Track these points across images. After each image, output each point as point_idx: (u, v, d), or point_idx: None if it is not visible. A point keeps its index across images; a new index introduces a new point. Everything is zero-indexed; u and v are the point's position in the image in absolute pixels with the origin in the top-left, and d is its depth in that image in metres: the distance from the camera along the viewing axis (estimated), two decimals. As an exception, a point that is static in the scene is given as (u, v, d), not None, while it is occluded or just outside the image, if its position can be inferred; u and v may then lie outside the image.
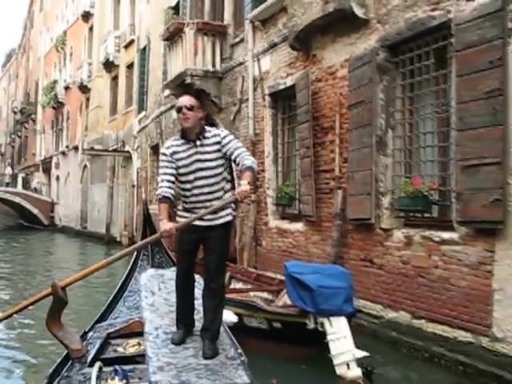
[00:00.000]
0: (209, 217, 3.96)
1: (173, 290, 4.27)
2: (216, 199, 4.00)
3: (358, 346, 4.93)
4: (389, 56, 6.67)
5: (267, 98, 9.55)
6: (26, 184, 35.32)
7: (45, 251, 19.61)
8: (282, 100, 9.32)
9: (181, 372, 3.52)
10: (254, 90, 9.95)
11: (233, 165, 4.20)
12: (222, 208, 3.97)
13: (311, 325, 5.22)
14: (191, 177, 4.00)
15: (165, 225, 3.81)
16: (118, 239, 20.45)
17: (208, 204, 3.97)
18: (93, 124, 25.42)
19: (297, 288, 5.29)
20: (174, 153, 4.02)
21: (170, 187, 3.97)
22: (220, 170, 4.04)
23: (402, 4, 6.40)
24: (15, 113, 46.08)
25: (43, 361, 5.56)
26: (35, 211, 31.02)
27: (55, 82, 32.79)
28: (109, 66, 22.99)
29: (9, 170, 38.43)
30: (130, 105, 20.57)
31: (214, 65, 11.52)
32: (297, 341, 5.47)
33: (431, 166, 6.23)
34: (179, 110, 4.02)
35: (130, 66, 20.97)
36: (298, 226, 8.41)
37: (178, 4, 14.84)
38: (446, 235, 5.63)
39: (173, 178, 4.01)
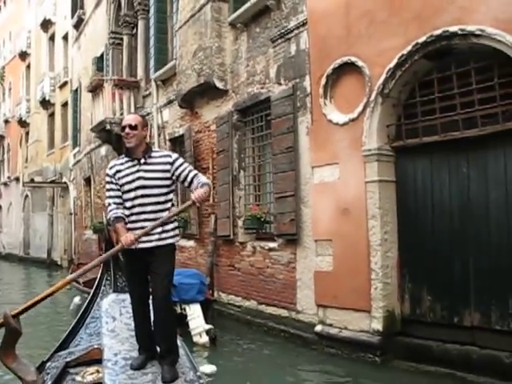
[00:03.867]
0: (156, 237, 3.87)
1: None
2: (158, 219, 3.87)
3: (221, 327, 7.45)
4: (240, 117, 9.30)
5: (168, 143, 12.03)
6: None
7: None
8: (178, 144, 11.79)
9: None
10: (159, 135, 12.43)
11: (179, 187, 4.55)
12: (171, 226, 3.97)
13: (178, 310, 7.68)
14: (132, 194, 3.91)
15: (126, 236, 3.77)
16: (59, 262, 22.48)
17: (148, 224, 3.85)
18: (32, 157, 27.30)
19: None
20: (117, 172, 3.97)
21: (118, 207, 3.95)
22: (165, 190, 3.97)
23: (246, 81, 9.04)
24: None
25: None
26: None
27: (-5, 116, 34.44)
28: (45, 104, 25.08)
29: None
30: (66, 140, 22.69)
31: (129, 113, 13.94)
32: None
33: (268, 197, 8.82)
34: (123, 128, 3.96)
35: (64, 105, 23.11)
36: (191, 242, 10.88)
37: (102, 55, 17.24)
38: (271, 245, 8.24)
39: (119, 200, 3.96)
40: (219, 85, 9.50)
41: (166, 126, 12.13)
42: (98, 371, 4.00)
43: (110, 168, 4.05)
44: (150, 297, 3.98)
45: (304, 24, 7.57)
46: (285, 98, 7.87)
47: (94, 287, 5.76)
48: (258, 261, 8.58)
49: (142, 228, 3.84)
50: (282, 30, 8.05)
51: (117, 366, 3.79)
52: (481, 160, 5.74)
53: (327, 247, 7.03)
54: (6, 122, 32.43)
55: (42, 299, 3.59)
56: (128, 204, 3.96)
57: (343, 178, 6.81)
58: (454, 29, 5.61)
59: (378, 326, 6.35)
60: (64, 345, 4.84)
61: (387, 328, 6.32)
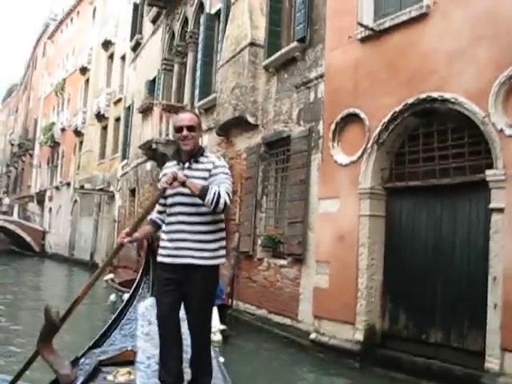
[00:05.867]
0: (194, 253, 3.43)
1: None
2: (195, 233, 3.45)
3: (236, 330, 8.77)
4: (266, 149, 10.65)
5: (205, 164, 13.43)
6: (22, 213, 39.08)
7: (38, 273, 23.29)
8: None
9: None
10: (198, 157, 13.85)
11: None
12: (215, 246, 3.52)
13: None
14: (170, 200, 3.54)
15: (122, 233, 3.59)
16: (100, 265, 24.18)
17: (188, 237, 3.46)
18: (84, 165, 29.30)
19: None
20: (164, 176, 3.60)
21: (157, 212, 3.71)
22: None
23: (273, 119, 10.39)
24: (12, 145, 49.96)
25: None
26: (28, 239, 34.60)
27: (53, 123, 36.78)
28: (100, 117, 27.05)
29: (7, 201, 42.06)
30: (116, 152, 24.49)
31: (174, 135, 15.47)
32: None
33: (285, 221, 10.09)
34: (179, 130, 3.54)
35: (117, 120, 24.96)
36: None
37: (155, 78, 18.91)
38: (282, 262, 9.51)
39: (162, 208, 3.66)
40: (251, 120, 10.89)
41: (205, 151, 13.54)
42: (129, 372, 4.03)
43: (162, 169, 3.79)
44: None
45: (322, 76, 8.89)
46: (302, 138, 9.19)
47: (132, 289, 5.65)
48: (270, 275, 9.85)
49: (180, 240, 3.47)
50: (305, 79, 9.39)
51: (149, 370, 3.73)
52: (451, 204, 6.90)
53: (325, 267, 8.26)
54: (63, 130, 34.66)
55: (77, 303, 3.68)
56: (168, 210, 3.58)
57: (342, 210, 8.06)
58: (435, 95, 6.83)
59: (360, 336, 7.53)
60: (98, 343, 4.85)
61: (368, 339, 7.49)
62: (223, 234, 3.61)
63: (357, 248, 7.72)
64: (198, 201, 3.42)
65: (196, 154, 3.60)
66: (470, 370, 6.19)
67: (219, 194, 3.37)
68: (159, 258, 3.61)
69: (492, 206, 6.09)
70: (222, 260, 3.60)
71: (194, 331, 3.57)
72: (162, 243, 3.61)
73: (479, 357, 6.07)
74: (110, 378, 4.02)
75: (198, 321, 3.54)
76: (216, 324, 8.79)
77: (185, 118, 3.62)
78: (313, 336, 8.29)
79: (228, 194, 3.44)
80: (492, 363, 5.85)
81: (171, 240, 3.52)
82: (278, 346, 8.91)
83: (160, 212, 3.72)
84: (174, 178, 3.38)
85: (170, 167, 3.66)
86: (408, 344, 7.22)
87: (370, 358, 7.40)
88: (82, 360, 4.32)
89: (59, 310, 3.62)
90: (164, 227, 3.64)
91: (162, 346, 3.61)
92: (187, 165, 3.57)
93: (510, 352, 5.72)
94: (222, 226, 3.62)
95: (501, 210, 5.97)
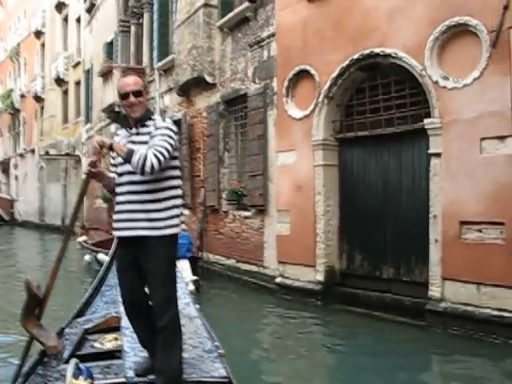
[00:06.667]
0: (145, 224, 3.16)
1: None
2: (145, 203, 3.18)
3: (207, 280, 9.38)
4: (225, 107, 11.08)
5: (168, 124, 13.80)
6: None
7: (9, 241, 23.53)
8: (177, 126, 13.51)
9: None
10: (160, 117, 14.18)
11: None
12: (168, 214, 3.21)
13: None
14: (119, 170, 3.29)
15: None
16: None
17: (136, 207, 3.18)
18: (47, 130, 29.18)
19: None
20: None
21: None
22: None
23: (230, 78, 10.79)
24: (-30, 114, 49.00)
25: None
26: (-3, 208, 34.58)
27: (11, 90, 36.24)
28: (59, 81, 26.85)
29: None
30: (79, 116, 24.51)
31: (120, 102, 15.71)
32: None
33: (247, 175, 10.62)
34: (125, 96, 3.22)
35: (77, 83, 24.87)
36: (186, 211, 12.74)
37: (112, 40, 18.93)
38: (246, 213, 10.09)
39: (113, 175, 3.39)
40: (209, 79, 11.26)
41: (167, 110, 13.92)
42: (116, 339, 3.98)
43: (112, 138, 3.42)
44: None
45: (273, 35, 9.29)
46: (258, 95, 9.63)
47: (110, 255, 5.57)
48: (236, 226, 10.44)
49: (129, 212, 3.20)
50: (258, 38, 9.78)
51: (135, 334, 3.55)
52: (397, 152, 7.50)
53: (286, 216, 8.87)
54: (22, 96, 34.19)
55: (54, 276, 3.51)
56: (118, 180, 3.31)
57: (298, 162, 8.62)
58: (377, 50, 7.34)
59: (320, 277, 8.21)
60: (81, 312, 4.81)
61: (327, 279, 8.18)
62: (177, 202, 3.28)
63: (313, 196, 8.32)
64: None
65: (143, 118, 3.26)
66: (417, 299, 6.91)
67: (145, 156, 3.04)
68: (114, 232, 3.34)
69: (430, 151, 6.70)
70: (176, 229, 3.26)
71: (157, 306, 3.24)
72: (115, 216, 3.32)
73: (425, 287, 6.78)
74: (96, 345, 3.99)
75: (159, 293, 3.21)
76: (188, 275, 9.38)
77: (129, 82, 3.25)
78: (278, 280, 8.95)
79: (159, 156, 3.06)
80: (434, 291, 6.58)
81: (122, 211, 3.26)
82: (247, 292, 9.57)
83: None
84: (101, 146, 3.11)
85: (120, 136, 3.35)
86: (364, 281, 7.92)
87: (331, 296, 8.09)
88: (67, 330, 4.27)
89: (39, 283, 3.50)
90: (116, 198, 3.32)
91: (131, 324, 3.45)
92: (134, 130, 3.27)
93: (448, 280, 6.45)
94: (175, 192, 3.29)
95: (438, 155, 6.59)
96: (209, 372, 3.44)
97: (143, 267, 3.21)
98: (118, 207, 3.29)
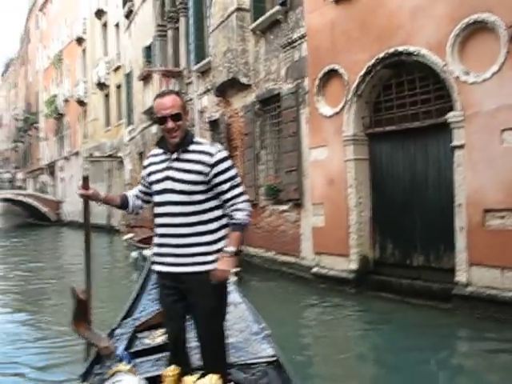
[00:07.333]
0: (184, 260, 2.92)
1: None
2: (192, 236, 2.91)
3: (248, 272, 9.83)
4: (261, 106, 11.56)
5: (207, 125, 14.40)
6: (35, 186, 40.32)
7: (56, 240, 24.60)
8: (216, 126, 14.13)
9: None
10: (199, 118, 14.81)
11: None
12: (217, 247, 2.92)
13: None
14: (158, 198, 3.03)
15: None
16: (117, 227, 25.43)
17: (178, 241, 2.93)
18: (90, 133, 30.26)
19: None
20: (151, 164, 3.10)
21: (134, 195, 3.30)
22: (198, 197, 2.92)
23: (264, 78, 11.28)
24: (17, 120, 50.79)
25: (74, 359, 5.36)
26: (44, 209, 35.92)
27: (55, 96, 37.57)
28: (101, 85, 27.84)
29: (20, 176, 43.26)
30: (121, 118, 25.40)
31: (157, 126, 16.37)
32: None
33: (282, 171, 11.10)
34: (163, 120, 2.92)
35: (118, 87, 25.78)
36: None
37: (150, 45, 19.63)
38: (283, 207, 10.57)
39: (140, 194, 3.26)
40: (244, 80, 11.78)
41: (205, 111, 14.49)
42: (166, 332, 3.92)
43: (148, 157, 3.19)
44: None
45: (304, 36, 9.74)
46: (291, 94, 10.10)
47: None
48: (274, 220, 10.93)
49: (171, 246, 2.96)
50: (289, 40, 10.23)
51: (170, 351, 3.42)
52: (423, 145, 7.87)
53: (320, 209, 9.31)
54: (66, 101, 35.45)
55: (89, 278, 3.56)
56: (157, 209, 3.04)
57: (330, 157, 9.05)
58: (401, 49, 7.72)
59: (354, 266, 8.63)
60: (129, 312, 4.86)
61: (361, 268, 8.60)
62: (224, 221, 2.98)
63: (345, 189, 8.74)
64: (194, 197, 2.91)
65: (184, 142, 2.95)
66: (444, 284, 7.28)
67: (243, 220, 2.93)
68: (154, 267, 3.13)
69: (454, 143, 7.06)
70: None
71: (203, 345, 3.03)
72: (155, 249, 3.10)
73: (452, 273, 7.15)
74: (147, 341, 4.06)
75: (207, 334, 2.99)
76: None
77: (166, 104, 2.92)
78: (314, 270, 9.41)
79: (247, 205, 2.96)
80: (460, 276, 6.93)
81: (164, 245, 3.01)
82: (285, 282, 10.06)
83: (138, 197, 3.30)
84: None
85: (158, 156, 3.08)
86: (395, 269, 8.31)
87: (364, 284, 8.51)
88: (118, 331, 4.32)
89: (83, 288, 3.58)
90: (155, 220, 3.06)
91: (170, 345, 3.22)
92: (175, 155, 2.96)
93: (474, 266, 6.80)
94: (224, 221, 2.99)
95: (461, 147, 6.95)
96: (257, 353, 3.52)
97: (190, 305, 3.00)
98: (159, 239, 3.06)
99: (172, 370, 2.93)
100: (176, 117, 2.91)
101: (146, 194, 3.23)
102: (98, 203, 3.40)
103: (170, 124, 2.90)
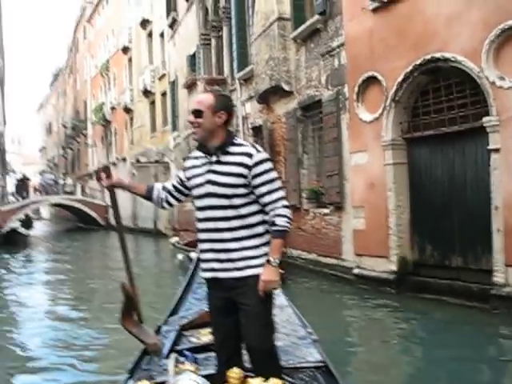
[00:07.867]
0: (229, 265, 2.85)
1: None
2: (233, 241, 2.84)
3: (291, 274, 10.21)
4: (302, 113, 11.91)
5: (251, 131, 14.81)
6: (83, 191, 41.55)
7: (105, 244, 25.43)
8: (259, 132, 14.51)
9: None
10: (243, 124, 15.24)
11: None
12: (260, 252, 2.86)
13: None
14: (199, 203, 2.95)
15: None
16: (164, 231, 26.12)
17: (222, 246, 2.86)
18: (137, 139, 31.11)
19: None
20: (192, 167, 3.01)
21: (162, 188, 3.20)
22: (239, 201, 2.83)
23: (305, 85, 11.62)
24: (65, 127, 52.41)
25: (121, 354, 5.56)
26: (93, 214, 36.99)
27: (102, 103, 38.70)
28: (147, 93, 28.62)
29: (70, 181, 44.58)
30: (166, 125, 26.08)
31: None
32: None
33: (323, 175, 11.41)
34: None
35: (163, 94, 26.47)
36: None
37: (194, 53, 20.20)
38: (325, 211, 10.88)
39: (172, 188, 3.16)
40: (286, 87, 12.15)
41: (248, 117, 14.92)
42: (211, 333, 3.86)
43: (187, 159, 3.14)
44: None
45: (343, 44, 10.05)
46: (331, 100, 10.41)
47: (197, 255, 5.62)
48: (316, 223, 11.26)
49: (212, 251, 2.90)
50: (329, 48, 10.56)
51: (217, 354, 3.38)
52: (461, 148, 8.07)
53: (361, 212, 9.59)
54: (113, 108, 36.45)
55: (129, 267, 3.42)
56: (198, 214, 2.97)
57: (370, 161, 9.33)
58: (437, 55, 7.95)
59: (394, 267, 8.88)
60: (175, 310, 4.93)
61: (401, 269, 8.83)
62: (268, 237, 2.90)
63: (385, 192, 9.01)
64: (234, 201, 2.83)
65: (225, 144, 2.86)
66: (483, 285, 7.46)
67: (284, 225, 2.84)
68: (202, 274, 3.07)
69: (490, 147, 7.25)
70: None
71: (254, 350, 2.93)
72: (200, 255, 3.04)
73: (490, 274, 7.33)
74: (193, 340, 4.09)
75: (256, 337, 2.90)
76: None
77: (196, 99, 2.94)
78: (356, 271, 9.69)
79: (287, 210, 2.85)
80: (498, 277, 7.12)
81: (208, 250, 2.94)
82: (327, 283, 10.36)
83: (170, 192, 3.19)
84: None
85: (199, 159, 2.98)
86: (434, 270, 8.51)
87: (404, 285, 8.74)
88: (164, 328, 4.37)
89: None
90: (197, 224, 2.99)
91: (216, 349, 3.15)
92: (214, 158, 2.87)
93: (511, 267, 6.97)
94: (265, 227, 2.91)
95: (497, 150, 7.14)
96: (305, 358, 3.52)
97: (239, 307, 2.91)
98: (201, 245, 2.99)
99: (237, 373, 2.87)
100: (197, 113, 2.85)
101: (177, 190, 3.15)
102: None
103: (191, 118, 2.87)
